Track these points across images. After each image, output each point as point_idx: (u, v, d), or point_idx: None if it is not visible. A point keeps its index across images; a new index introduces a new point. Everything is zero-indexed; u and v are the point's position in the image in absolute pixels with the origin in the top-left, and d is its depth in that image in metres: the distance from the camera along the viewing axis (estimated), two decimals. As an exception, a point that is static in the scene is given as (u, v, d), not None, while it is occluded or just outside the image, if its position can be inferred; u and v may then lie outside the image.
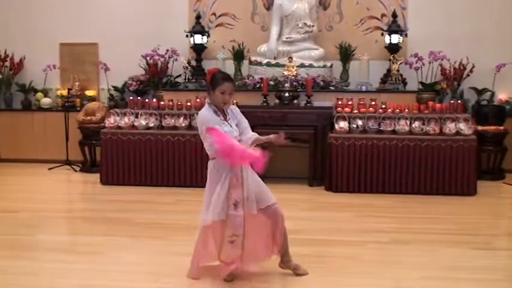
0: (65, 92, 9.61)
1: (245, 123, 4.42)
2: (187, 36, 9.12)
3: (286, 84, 8.28)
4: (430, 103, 7.98)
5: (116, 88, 9.66)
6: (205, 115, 4.27)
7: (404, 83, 8.78)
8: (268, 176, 8.09)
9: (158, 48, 9.24)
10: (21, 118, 9.82)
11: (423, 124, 7.60)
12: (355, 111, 7.92)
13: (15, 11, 10.00)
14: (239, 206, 4.19)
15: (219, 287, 4.29)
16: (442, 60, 8.76)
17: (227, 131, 4.21)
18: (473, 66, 8.74)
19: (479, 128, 8.22)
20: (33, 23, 9.93)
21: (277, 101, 8.32)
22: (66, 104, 9.47)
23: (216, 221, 4.21)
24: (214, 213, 4.20)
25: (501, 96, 8.96)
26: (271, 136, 4.37)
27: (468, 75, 8.77)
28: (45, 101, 9.82)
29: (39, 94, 9.88)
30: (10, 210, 6.59)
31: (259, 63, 8.87)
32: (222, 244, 4.26)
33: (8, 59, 9.91)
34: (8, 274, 4.54)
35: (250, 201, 4.23)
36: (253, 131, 4.47)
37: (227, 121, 4.30)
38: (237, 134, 4.30)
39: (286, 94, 8.23)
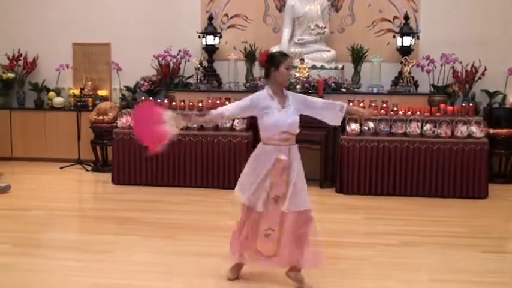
0: (77, 92, 9.67)
1: (319, 102, 4.29)
2: (199, 37, 9.13)
3: (297, 86, 8.29)
4: (442, 106, 7.97)
5: (128, 88, 9.69)
6: (255, 95, 4.23)
7: (416, 85, 8.76)
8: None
9: (170, 49, 9.27)
10: (33, 117, 9.86)
11: (435, 127, 7.58)
12: (367, 113, 7.91)
13: (29, 11, 10.06)
14: (279, 200, 4.07)
15: (228, 287, 4.30)
16: (454, 62, 8.73)
17: (278, 118, 4.08)
18: (485, 69, 8.70)
19: (491, 131, 8.19)
20: (47, 23, 9.97)
21: (288, 102, 8.33)
22: (78, 103, 9.51)
23: (251, 211, 4.12)
24: (251, 200, 4.11)
25: (513, 99, 8.93)
26: (363, 111, 4.43)
27: (480, 78, 8.73)
28: (58, 101, 9.87)
29: (52, 93, 9.93)
30: (22, 209, 6.64)
31: (271, 65, 8.85)
32: (258, 235, 4.13)
33: (21, 58, 9.97)
34: (20, 271, 4.58)
35: (292, 198, 4.07)
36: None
37: (284, 106, 4.14)
38: (292, 120, 4.15)
39: (298, 95, 8.24)
